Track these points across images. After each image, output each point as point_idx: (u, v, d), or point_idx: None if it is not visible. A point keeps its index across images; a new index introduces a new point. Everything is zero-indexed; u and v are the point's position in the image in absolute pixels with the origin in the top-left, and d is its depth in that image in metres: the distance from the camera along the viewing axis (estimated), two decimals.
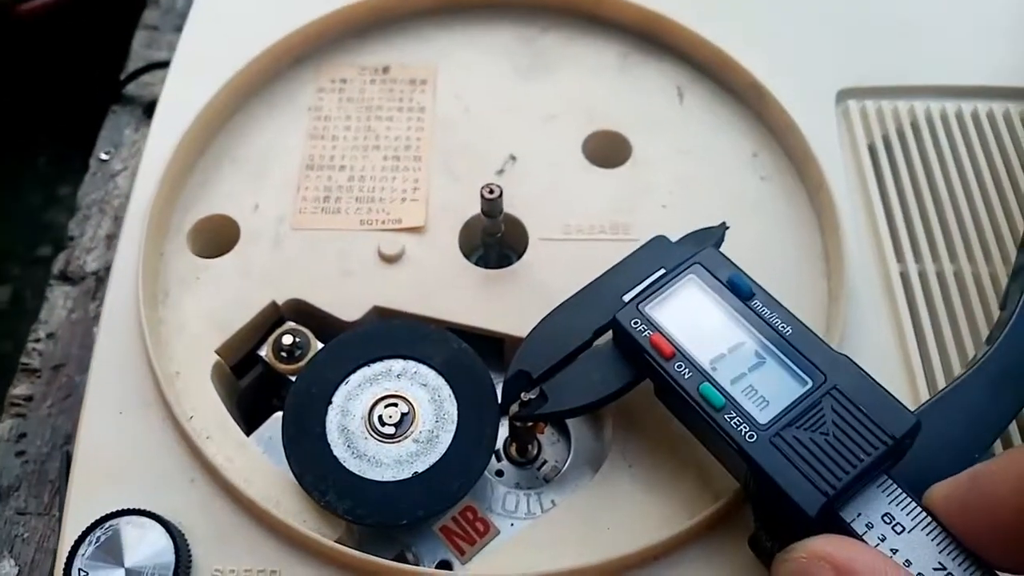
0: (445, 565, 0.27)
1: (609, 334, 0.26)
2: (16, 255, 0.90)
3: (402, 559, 0.27)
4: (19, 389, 0.39)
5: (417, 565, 0.26)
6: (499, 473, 0.29)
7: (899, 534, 0.21)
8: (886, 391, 0.23)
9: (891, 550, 0.21)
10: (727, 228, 0.28)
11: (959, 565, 0.20)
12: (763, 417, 0.23)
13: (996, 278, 0.31)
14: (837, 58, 0.36)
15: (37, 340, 0.40)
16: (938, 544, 0.21)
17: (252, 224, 0.31)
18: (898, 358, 0.29)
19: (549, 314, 0.27)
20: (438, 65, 0.36)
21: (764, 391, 0.24)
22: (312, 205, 0.32)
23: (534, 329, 0.27)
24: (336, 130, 0.34)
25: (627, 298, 0.26)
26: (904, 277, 0.31)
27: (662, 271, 0.27)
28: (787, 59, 0.35)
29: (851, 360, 0.24)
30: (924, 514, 0.21)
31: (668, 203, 0.32)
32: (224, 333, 0.29)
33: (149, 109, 0.48)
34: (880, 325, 0.30)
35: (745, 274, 0.26)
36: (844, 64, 0.35)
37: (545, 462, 0.30)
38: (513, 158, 0.33)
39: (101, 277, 0.42)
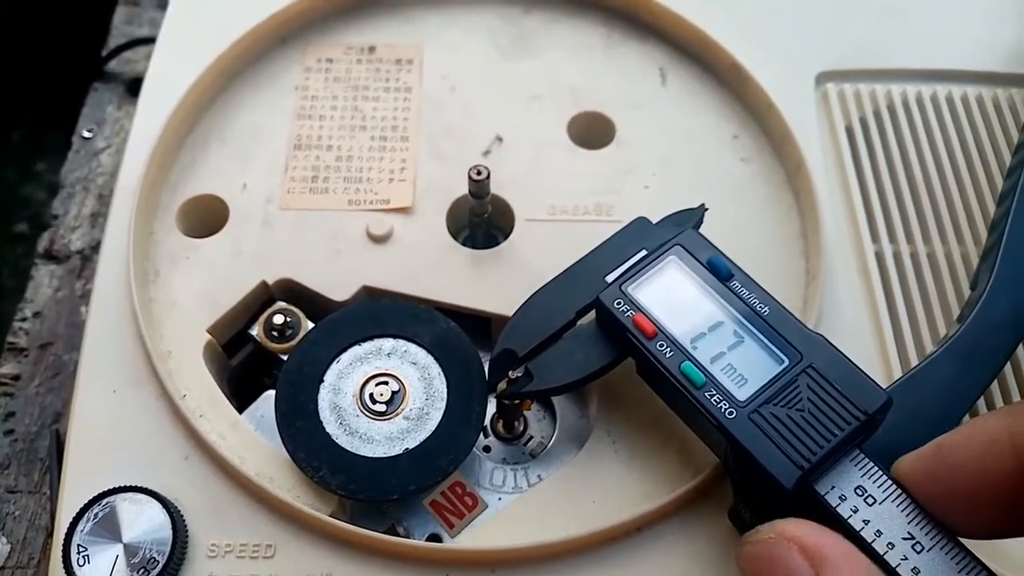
0: (435, 538, 0.27)
1: (592, 314, 0.27)
2: None
3: (393, 533, 0.27)
4: (6, 368, 0.39)
5: (408, 538, 0.27)
6: (486, 449, 0.30)
7: (871, 506, 0.22)
8: (859, 369, 0.24)
9: (863, 521, 0.22)
10: (706, 209, 0.29)
11: (926, 534, 0.21)
12: (742, 394, 0.24)
13: (967, 258, 0.32)
14: (817, 41, 0.36)
15: (23, 319, 0.40)
16: (907, 514, 0.22)
17: (241, 204, 0.32)
18: (872, 336, 0.30)
19: (534, 294, 0.28)
20: (424, 45, 0.36)
21: (743, 369, 0.24)
22: (300, 185, 0.32)
23: (519, 309, 0.28)
24: (323, 110, 0.34)
25: (609, 278, 0.27)
26: (879, 257, 0.32)
27: (643, 252, 0.27)
28: (768, 41, 0.35)
29: (826, 339, 0.25)
30: (894, 486, 0.22)
31: (651, 184, 0.33)
32: (215, 312, 0.29)
33: (132, 86, 0.48)
34: (855, 304, 0.31)
35: (724, 255, 0.27)
36: (823, 47, 0.36)
37: (531, 438, 0.31)
38: (499, 139, 0.34)
39: (86, 256, 0.42)
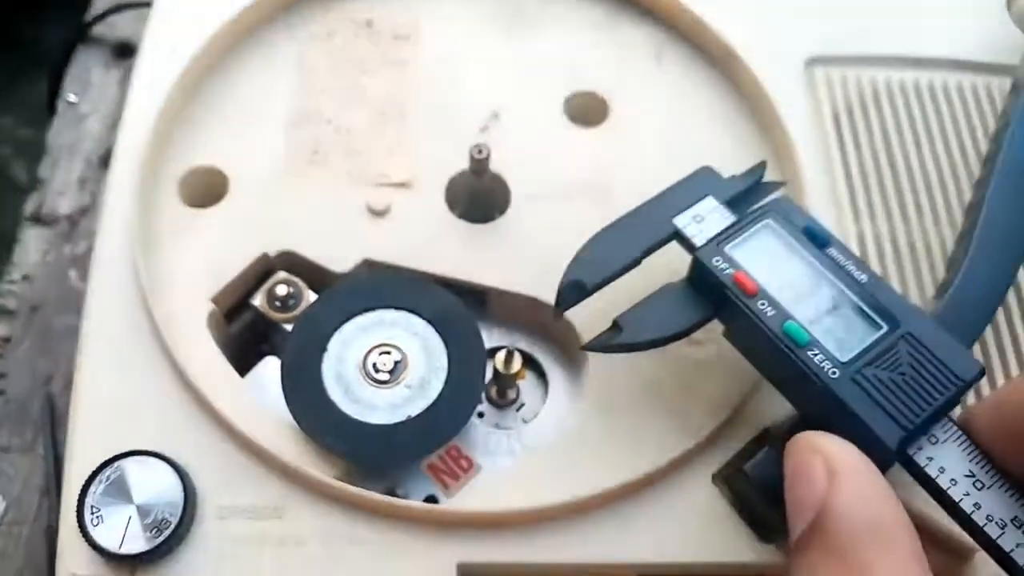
0: (431, 499, 0.29)
1: (682, 272, 0.27)
2: None
3: (391, 494, 0.28)
4: None
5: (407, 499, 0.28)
6: (480, 414, 0.31)
7: (933, 445, 0.23)
8: (954, 339, 0.25)
9: (928, 458, 0.23)
10: (766, 166, 0.30)
11: (986, 472, 0.23)
12: (843, 355, 0.24)
13: (943, 241, 0.33)
14: (808, 25, 0.37)
15: (12, 282, 0.41)
16: (968, 454, 0.23)
17: (241, 176, 0.32)
18: None
19: (600, 231, 0.28)
20: (420, 20, 0.36)
21: (842, 332, 0.25)
22: (300, 158, 0.32)
23: (586, 244, 0.28)
24: (322, 83, 0.34)
25: (677, 221, 0.27)
26: (860, 237, 0.33)
27: (710, 198, 0.28)
28: (761, 24, 0.36)
29: (922, 309, 0.26)
30: (955, 428, 0.23)
31: (644, 165, 0.34)
32: (218, 283, 0.30)
33: (117, 50, 0.48)
34: None
35: (819, 223, 0.27)
36: (814, 32, 0.37)
37: (523, 404, 0.32)
38: (496, 115, 0.34)
39: (74, 220, 0.42)
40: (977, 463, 0.23)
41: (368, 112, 0.34)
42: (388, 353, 0.28)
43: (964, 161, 0.35)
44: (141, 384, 0.28)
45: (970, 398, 0.29)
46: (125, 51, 0.47)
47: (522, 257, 0.31)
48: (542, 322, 0.31)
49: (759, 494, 0.26)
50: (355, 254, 0.31)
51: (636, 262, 0.27)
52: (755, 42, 0.35)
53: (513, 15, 0.37)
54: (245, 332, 0.32)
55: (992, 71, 0.37)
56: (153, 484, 0.25)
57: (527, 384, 0.32)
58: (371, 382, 0.28)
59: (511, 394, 0.31)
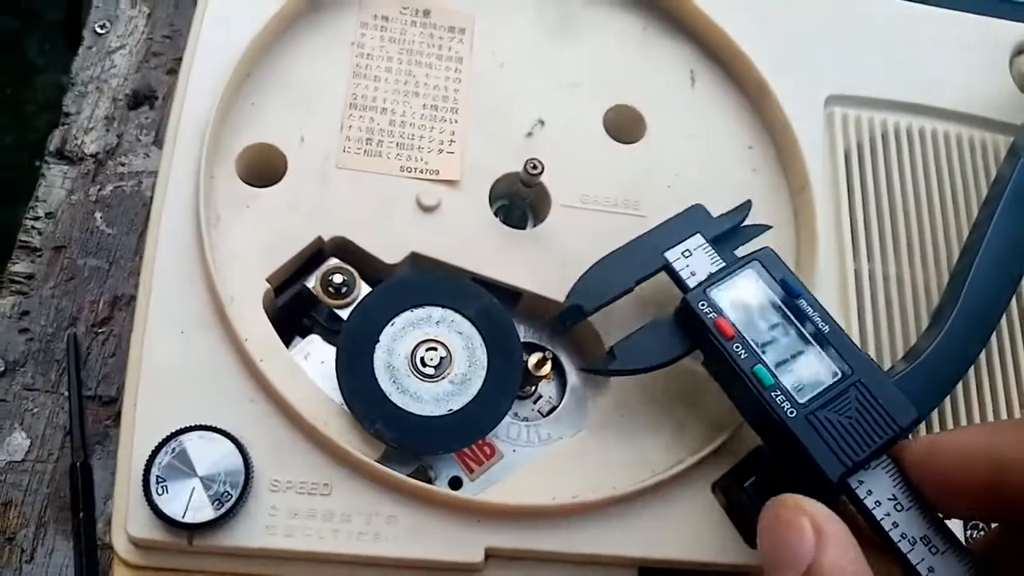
0: (456, 480, 0.32)
1: (657, 296, 0.31)
2: None
3: (422, 474, 0.31)
4: (19, 267, 0.40)
5: (434, 480, 0.31)
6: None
7: (865, 471, 0.27)
8: (897, 388, 0.29)
9: (859, 481, 0.27)
10: (751, 206, 0.33)
11: (906, 496, 0.27)
12: (801, 397, 0.28)
13: (929, 285, 0.37)
14: (831, 64, 0.39)
15: (36, 218, 0.41)
16: (892, 479, 0.27)
17: (299, 158, 0.33)
18: None
19: (599, 261, 0.31)
20: (475, 15, 0.37)
21: (803, 376, 0.29)
22: (356, 145, 0.34)
23: (585, 273, 0.31)
24: (378, 71, 0.35)
25: (668, 255, 0.31)
26: (858, 274, 0.37)
27: (698, 235, 0.31)
28: (789, 57, 0.38)
29: (872, 359, 0.29)
30: (885, 456, 0.27)
31: (672, 184, 0.36)
32: (274, 263, 0.31)
33: None
34: (831, 312, 0.35)
35: (795, 276, 0.31)
36: (836, 71, 0.39)
37: (540, 397, 0.35)
38: (541, 122, 0.36)
39: (101, 160, 0.43)
40: (900, 488, 0.27)
41: (421, 104, 0.35)
42: (435, 349, 0.30)
43: (955, 210, 0.38)
44: (202, 360, 0.29)
45: None
46: None
47: (557, 265, 0.33)
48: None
49: (754, 507, 0.29)
50: (404, 246, 0.33)
51: (630, 290, 0.31)
52: (781, 75, 0.38)
53: (562, 18, 0.38)
54: (288, 306, 0.34)
55: (994, 127, 0.40)
56: (215, 458, 0.28)
57: (545, 379, 0.35)
58: (418, 375, 0.30)
59: (531, 388, 0.34)
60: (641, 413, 0.32)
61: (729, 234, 0.32)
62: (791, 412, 0.28)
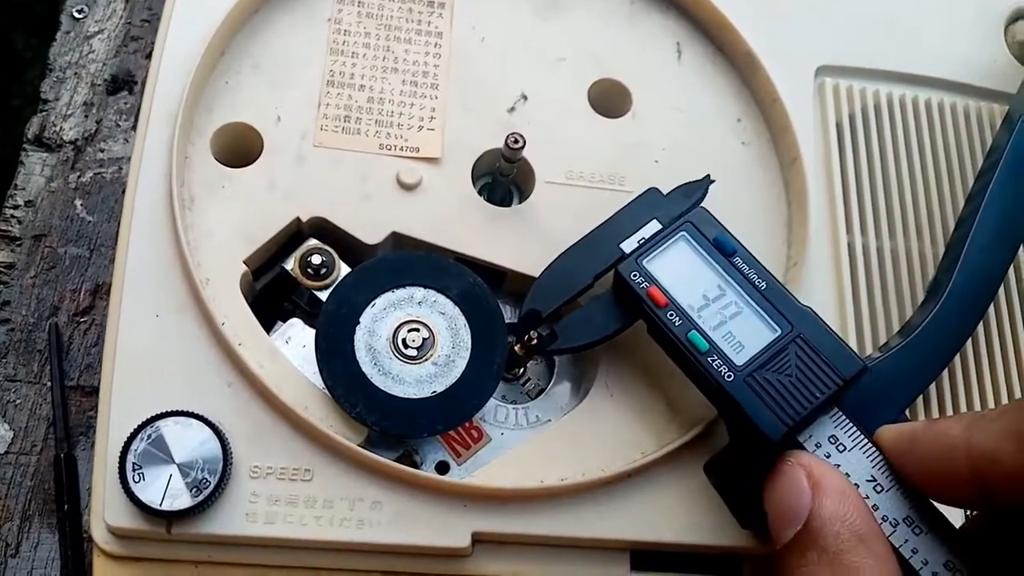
0: (444, 465, 0.31)
1: (609, 280, 0.30)
2: None
3: (408, 458, 0.31)
4: None
5: (420, 465, 0.31)
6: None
7: (841, 452, 0.27)
8: (841, 340, 0.28)
9: (835, 464, 0.26)
10: (712, 182, 0.32)
11: (886, 477, 0.26)
12: (739, 359, 0.28)
13: (924, 256, 0.36)
14: (821, 34, 0.38)
15: (15, 207, 0.40)
16: (871, 460, 0.26)
17: (275, 137, 0.32)
18: (836, 319, 0.34)
19: (555, 260, 0.31)
20: None
21: (741, 336, 0.28)
22: (333, 124, 0.33)
23: (542, 273, 0.31)
24: (355, 47, 0.34)
25: (624, 246, 0.30)
26: (851, 248, 0.36)
27: (655, 222, 0.31)
28: (778, 28, 0.37)
29: (814, 311, 0.29)
30: (862, 436, 0.27)
31: (660, 158, 0.35)
32: (251, 244, 0.31)
33: None
34: (825, 289, 0.35)
35: (729, 233, 0.30)
36: (826, 41, 0.38)
37: (529, 379, 0.34)
38: (524, 97, 0.35)
39: (79, 147, 0.42)
40: (879, 469, 0.26)
41: (400, 81, 0.34)
42: (417, 330, 0.30)
43: (949, 180, 0.37)
44: (178, 344, 0.29)
45: None
46: None
47: (543, 242, 0.33)
48: None
49: (746, 485, 0.29)
50: (384, 226, 0.32)
51: (589, 286, 0.30)
52: (770, 46, 0.37)
53: None
54: (268, 289, 0.33)
55: (989, 96, 0.39)
56: (192, 444, 0.27)
57: (533, 361, 0.34)
58: (400, 357, 0.29)
59: (519, 370, 0.34)
60: (631, 393, 0.31)
61: (687, 213, 0.31)
62: (728, 376, 0.27)
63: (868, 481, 0.26)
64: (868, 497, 0.26)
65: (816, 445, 0.27)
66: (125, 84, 0.43)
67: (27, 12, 0.87)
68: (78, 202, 0.40)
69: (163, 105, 0.31)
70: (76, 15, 0.44)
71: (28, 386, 0.37)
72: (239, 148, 0.32)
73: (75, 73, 0.43)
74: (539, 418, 0.33)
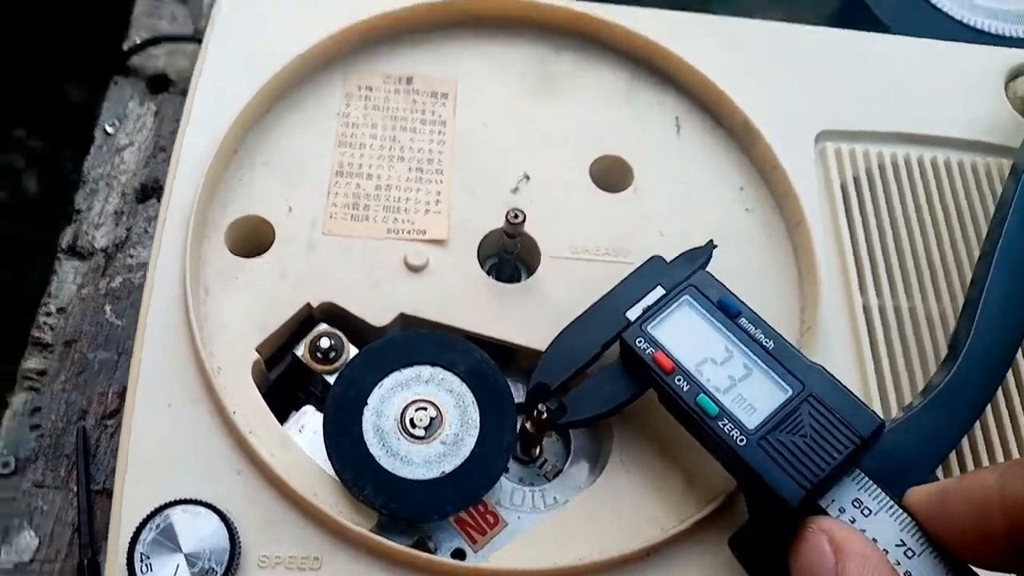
0: (459, 553, 0.30)
1: (617, 349, 0.30)
2: None
3: (422, 545, 0.30)
4: (31, 363, 0.41)
5: (435, 551, 0.30)
6: (505, 470, 0.33)
7: (867, 516, 0.25)
8: (854, 396, 0.27)
9: (860, 530, 0.25)
10: (715, 247, 0.32)
11: (917, 540, 0.25)
12: (751, 422, 0.27)
13: (944, 315, 0.35)
14: (818, 101, 0.39)
15: (48, 314, 0.42)
16: (899, 523, 0.25)
17: (287, 227, 0.33)
18: (857, 384, 0.33)
19: (561, 332, 0.31)
20: (458, 80, 0.38)
21: (751, 399, 0.28)
22: (342, 211, 0.34)
23: (549, 346, 0.31)
24: (363, 138, 0.36)
25: (629, 314, 0.30)
26: (867, 309, 0.35)
27: (659, 288, 0.30)
28: (772, 99, 0.38)
29: (824, 369, 0.28)
30: (888, 499, 0.26)
31: (664, 230, 0.36)
32: (263, 332, 0.31)
33: (152, 82, 0.49)
34: (844, 352, 0.34)
35: (733, 295, 0.30)
36: (825, 107, 0.39)
37: (546, 461, 0.33)
38: (527, 177, 0.36)
39: (110, 254, 0.43)
40: (909, 532, 0.25)
41: (407, 168, 0.35)
42: (424, 409, 0.30)
43: (963, 236, 0.37)
44: (189, 433, 0.29)
45: None
46: (160, 84, 0.49)
47: (550, 317, 0.33)
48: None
49: (772, 560, 0.27)
50: (392, 308, 0.32)
51: (597, 357, 0.30)
52: (768, 116, 0.37)
53: (545, 79, 0.39)
54: (283, 378, 0.33)
55: (994, 151, 0.39)
56: (200, 533, 0.27)
57: (549, 440, 0.33)
58: (408, 437, 0.29)
59: (535, 451, 0.33)
60: (647, 467, 0.31)
61: (690, 277, 0.31)
62: (740, 440, 0.27)
63: (898, 546, 0.25)
64: (899, 564, 0.25)
65: (840, 510, 0.26)
66: (154, 192, 0.45)
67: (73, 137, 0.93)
68: (108, 307, 0.42)
69: (179, 203, 0.33)
70: (108, 130, 0.47)
71: (55, 491, 0.38)
72: (252, 239, 0.33)
73: (107, 184, 0.45)
74: (557, 500, 0.32)
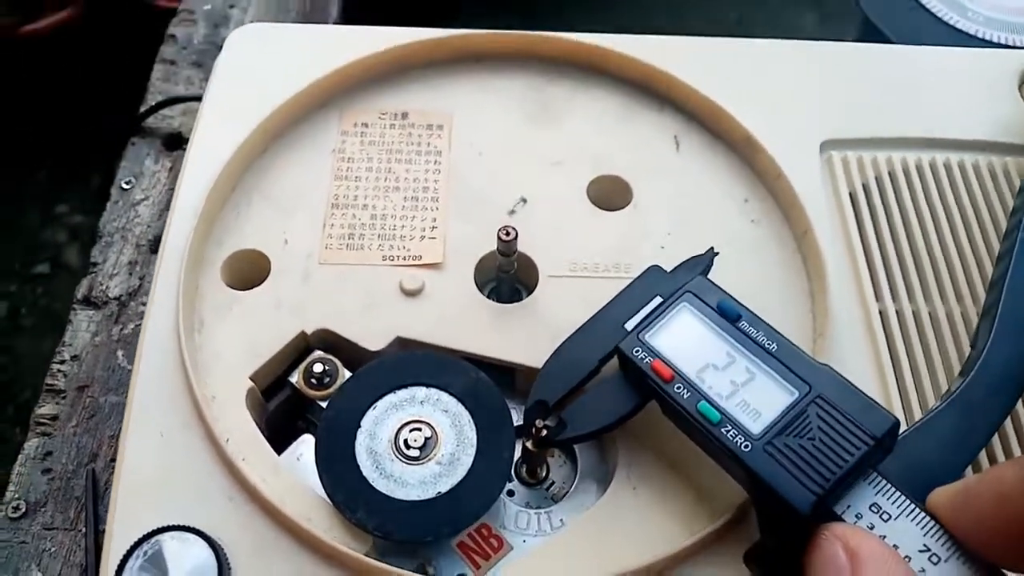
0: None
1: (615, 361, 0.29)
2: (13, 272, 0.92)
3: (423, 571, 0.29)
4: (44, 409, 0.41)
5: None
6: (510, 493, 0.32)
7: (886, 522, 0.24)
8: (866, 395, 0.26)
9: (880, 536, 0.23)
10: (716, 254, 0.31)
11: (942, 545, 0.23)
12: (756, 428, 0.26)
13: (967, 316, 0.33)
14: (822, 111, 0.38)
15: (62, 362, 0.42)
16: (922, 528, 0.23)
17: (282, 258, 0.34)
18: (877, 391, 0.32)
19: (559, 347, 0.30)
20: (453, 112, 0.38)
21: (756, 403, 0.26)
22: (338, 242, 0.34)
23: (547, 362, 0.30)
24: (359, 171, 0.36)
25: (628, 326, 0.29)
26: (883, 315, 0.34)
27: (658, 299, 0.29)
28: (776, 111, 0.37)
29: (832, 369, 0.26)
30: (908, 502, 0.24)
31: (666, 244, 0.35)
32: (257, 360, 0.31)
33: (168, 141, 0.51)
34: (860, 360, 0.32)
35: (732, 298, 0.29)
36: (828, 116, 0.38)
37: (552, 482, 0.32)
38: (524, 200, 0.36)
39: (123, 302, 0.44)
40: (933, 536, 0.23)
41: (402, 198, 0.36)
42: (419, 429, 0.29)
43: (983, 237, 0.35)
44: (181, 460, 0.29)
45: None
46: (175, 142, 0.50)
47: (549, 335, 0.32)
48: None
49: (788, 572, 0.26)
50: (388, 332, 0.32)
51: (596, 371, 0.29)
52: (772, 127, 0.37)
53: (541, 106, 0.39)
54: (283, 408, 0.33)
55: (1004, 151, 0.38)
56: (189, 559, 0.26)
57: (555, 461, 0.32)
58: (402, 458, 0.28)
59: (540, 472, 0.32)
60: (654, 483, 0.29)
61: (687, 284, 0.30)
62: (745, 446, 0.25)
63: (922, 552, 0.23)
64: (924, 571, 0.23)
65: (857, 516, 0.24)
66: None
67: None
68: (120, 352, 0.42)
69: (176, 240, 0.33)
70: (124, 186, 0.48)
71: (64, 533, 0.37)
72: (248, 272, 0.33)
73: (122, 236, 0.46)
74: (563, 522, 0.31)
